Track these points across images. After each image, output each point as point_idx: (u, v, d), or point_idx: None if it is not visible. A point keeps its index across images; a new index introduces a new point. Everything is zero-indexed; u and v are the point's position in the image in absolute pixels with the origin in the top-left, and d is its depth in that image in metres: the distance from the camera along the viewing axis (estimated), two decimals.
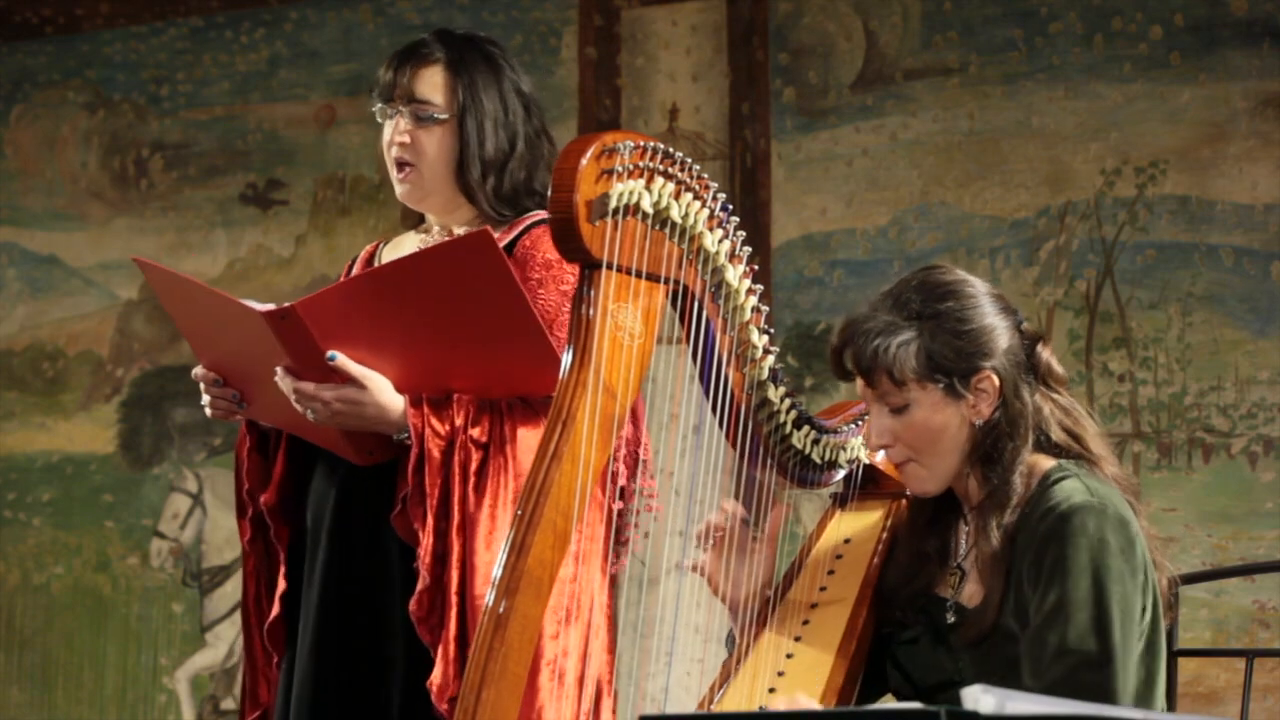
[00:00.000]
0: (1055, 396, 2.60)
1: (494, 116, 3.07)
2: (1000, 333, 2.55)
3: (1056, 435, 2.57)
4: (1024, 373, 2.57)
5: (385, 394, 2.82)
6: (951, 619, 2.56)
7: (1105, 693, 2.40)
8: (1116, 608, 2.43)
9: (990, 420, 2.55)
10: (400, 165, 3.06)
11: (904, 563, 2.65)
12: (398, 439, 2.85)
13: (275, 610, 2.97)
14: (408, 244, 3.16)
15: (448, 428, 2.83)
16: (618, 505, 2.97)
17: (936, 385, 2.53)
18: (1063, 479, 2.51)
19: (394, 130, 3.06)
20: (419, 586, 2.81)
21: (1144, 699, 2.51)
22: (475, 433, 2.84)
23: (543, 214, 3.03)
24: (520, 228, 3.03)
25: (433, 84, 3.07)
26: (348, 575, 2.93)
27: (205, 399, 2.95)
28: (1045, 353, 2.60)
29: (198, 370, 2.95)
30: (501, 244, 3.00)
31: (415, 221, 3.19)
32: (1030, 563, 2.47)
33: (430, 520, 2.81)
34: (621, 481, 2.95)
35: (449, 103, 3.06)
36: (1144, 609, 2.48)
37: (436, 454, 2.82)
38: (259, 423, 3.01)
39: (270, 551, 3.02)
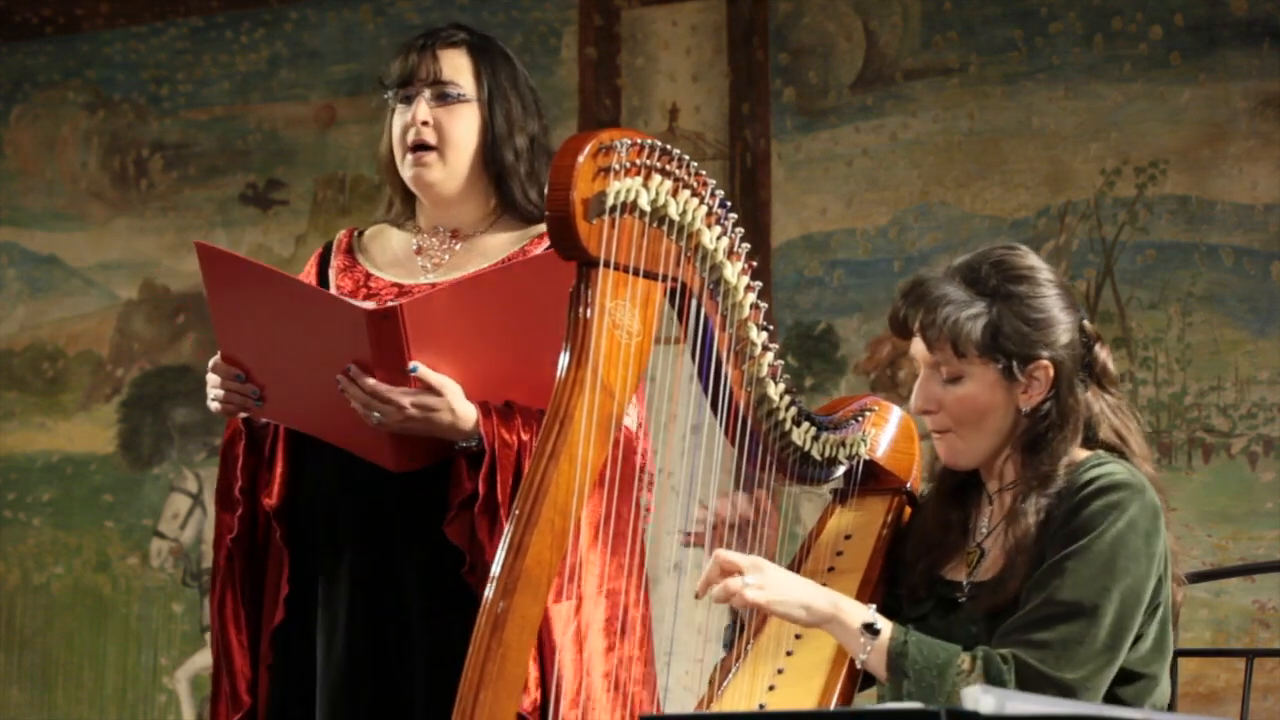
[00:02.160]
0: (1107, 397, 2.62)
1: (518, 108, 3.06)
2: (1065, 327, 2.58)
3: (1105, 434, 2.60)
4: (1080, 369, 2.60)
5: (460, 401, 2.80)
6: (963, 599, 2.57)
7: (1075, 646, 2.41)
8: (1121, 582, 2.45)
9: (1039, 409, 2.57)
10: (417, 148, 3.00)
11: (929, 529, 2.66)
12: (462, 446, 2.84)
13: (281, 614, 2.96)
14: (395, 239, 3.12)
15: (515, 439, 2.82)
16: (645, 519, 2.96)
17: (995, 364, 2.55)
18: (1103, 462, 2.55)
19: (413, 113, 3.00)
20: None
21: (1144, 694, 2.51)
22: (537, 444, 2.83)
23: None
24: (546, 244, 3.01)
25: (457, 66, 3.03)
26: (381, 583, 2.92)
27: (216, 393, 2.90)
28: (1103, 353, 2.64)
29: (217, 363, 2.90)
30: (534, 253, 2.99)
31: (404, 215, 3.14)
32: (1058, 527, 2.49)
33: (503, 527, 2.79)
34: (638, 493, 2.94)
35: (474, 86, 3.02)
36: (1155, 600, 2.49)
37: (509, 464, 2.82)
38: (254, 423, 2.99)
39: (257, 552, 2.99)
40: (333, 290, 3.05)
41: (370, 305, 2.79)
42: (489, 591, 2.33)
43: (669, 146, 2.41)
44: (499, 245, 3.04)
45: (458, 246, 3.05)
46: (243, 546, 2.99)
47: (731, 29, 5.24)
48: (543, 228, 3.02)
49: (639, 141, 2.38)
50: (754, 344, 2.57)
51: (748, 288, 2.54)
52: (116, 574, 5.75)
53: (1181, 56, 4.82)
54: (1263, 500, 4.65)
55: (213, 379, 2.92)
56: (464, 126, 3.02)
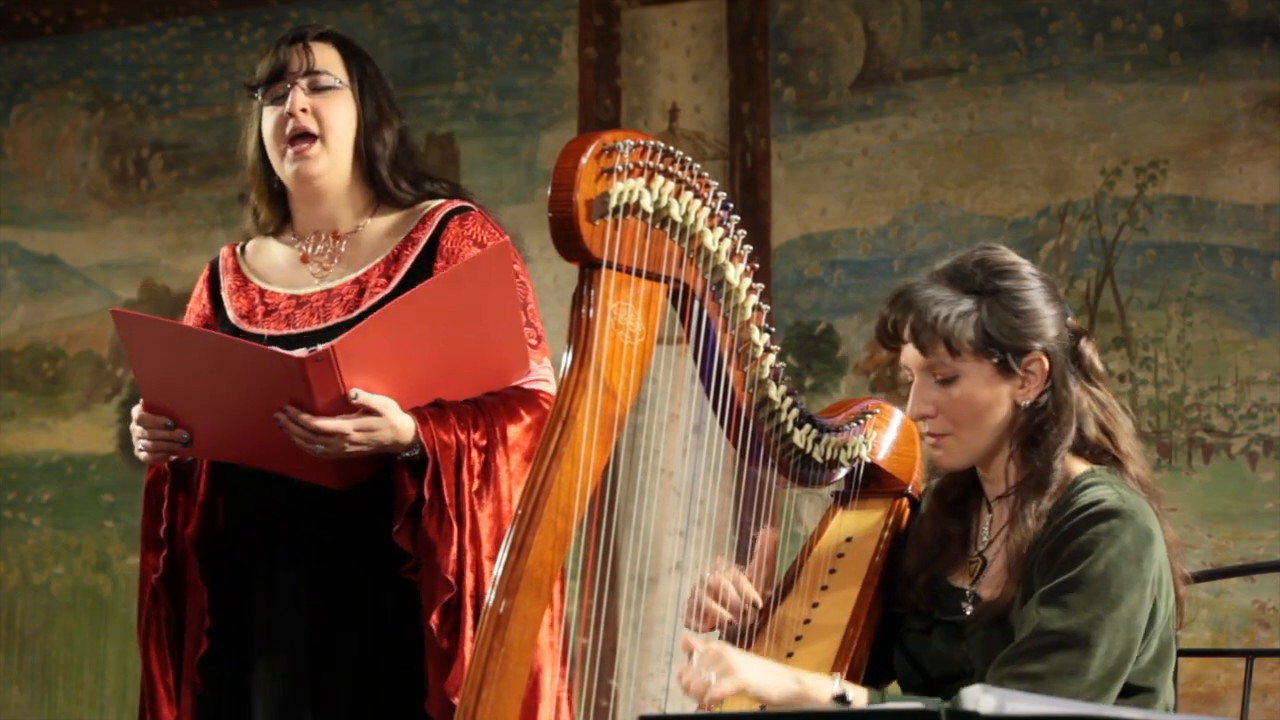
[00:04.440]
0: (1094, 391, 2.61)
1: (385, 101, 3.08)
2: (1051, 319, 2.57)
3: (1090, 430, 2.58)
4: (1071, 362, 2.59)
5: (398, 415, 2.82)
6: (969, 610, 2.56)
7: (1068, 677, 2.39)
8: (1114, 610, 2.43)
9: (1036, 404, 2.56)
10: (298, 139, 3.00)
11: (927, 543, 2.64)
12: (406, 456, 2.84)
13: (206, 644, 2.96)
14: (276, 251, 3.11)
15: (452, 439, 2.84)
16: None
17: (990, 360, 2.54)
18: (1095, 484, 2.52)
19: (291, 102, 3.00)
20: (445, 597, 2.80)
21: (1146, 705, 2.50)
22: (476, 437, 2.86)
23: (453, 204, 3.03)
24: (435, 222, 3.02)
25: (328, 57, 3.05)
26: (322, 597, 2.93)
27: (144, 442, 2.90)
28: (1089, 348, 2.62)
29: (142, 415, 2.89)
30: (422, 240, 3.00)
31: (272, 224, 3.13)
32: (1047, 553, 2.48)
33: (455, 530, 2.81)
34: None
35: (345, 75, 3.05)
36: (1151, 624, 2.48)
37: (450, 466, 2.83)
38: (181, 460, 2.98)
39: (183, 588, 2.99)
40: (229, 311, 3.05)
41: (302, 353, 2.79)
42: (491, 591, 2.33)
43: (671, 148, 2.41)
44: (383, 235, 3.05)
45: (343, 247, 3.05)
46: (168, 584, 2.99)
47: (731, 29, 5.24)
48: (428, 206, 3.04)
49: (642, 143, 2.38)
50: (756, 346, 2.57)
51: (750, 289, 2.54)
52: (116, 574, 5.75)
53: (1181, 56, 4.82)
54: (1263, 500, 4.65)
55: (138, 430, 2.90)
56: (342, 114, 3.03)
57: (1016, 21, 4.97)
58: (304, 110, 3.00)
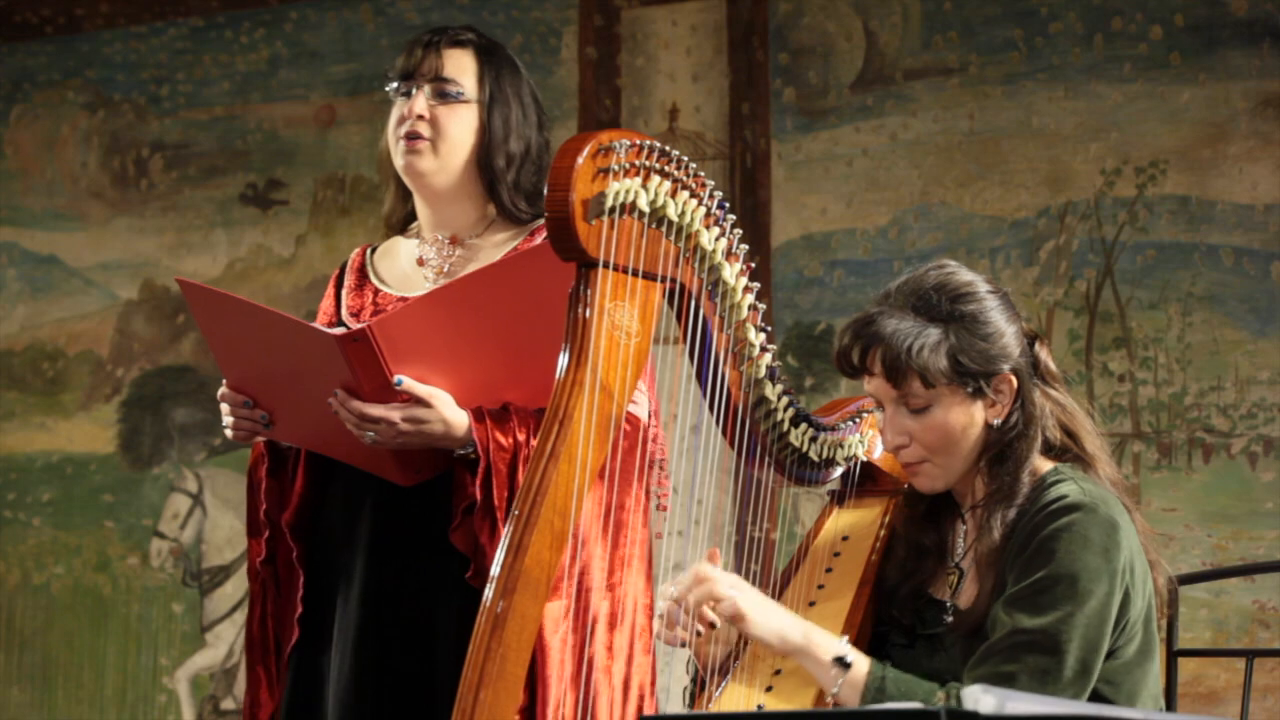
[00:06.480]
0: (1052, 394, 2.61)
1: (518, 114, 3.05)
2: (1013, 337, 2.57)
3: (1052, 434, 2.59)
4: (1032, 373, 2.59)
5: (450, 410, 2.79)
6: (949, 620, 2.56)
7: (1043, 676, 2.40)
8: (1084, 606, 2.43)
9: (1007, 421, 2.56)
10: (411, 137, 3.00)
11: (902, 558, 2.65)
12: (460, 454, 2.83)
13: (297, 633, 2.96)
14: (402, 252, 3.11)
15: (511, 441, 2.81)
16: (657, 504, 2.95)
17: (964, 387, 2.54)
18: (1059, 481, 2.53)
19: (411, 105, 2.99)
20: None
21: (1134, 698, 2.50)
22: (537, 444, 2.82)
23: None
24: (542, 236, 3.00)
25: (461, 65, 3.02)
26: (390, 595, 2.91)
27: (228, 420, 2.91)
28: (1043, 352, 2.63)
29: (224, 391, 2.91)
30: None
31: (401, 226, 3.14)
32: (1016, 554, 2.49)
33: (501, 531, 2.79)
34: (654, 484, 2.94)
35: (476, 88, 3.02)
36: (1125, 613, 2.48)
37: (503, 468, 2.80)
38: (278, 443, 2.98)
39: (281, 573, 3.00)
40: (343, 311, 3.05)
41: (340, 330, 2.78)
42: (488, 591, 2.33)
43: (668, 148, 2.41)
44: (494, 247, 3.04)
45: (457, 253, 3.04)
46: (272, 570, 2.99)
47: (731, 29, 5.24)
48: (534, 225, 3.02)
49: (638, 142, 2.38)
50: (752, 345, 2.57)
51: (746, 289, 2.54)
52: (116, 574, 5.75)
53: (1181, 56, 4.82)
54: (1263, 500, 4.65)
55: (224, 407, 2.93)
56: (461, 125, 3.01)
57: (1016, 21, 4.97)
58: (421, 116, 2.99)
